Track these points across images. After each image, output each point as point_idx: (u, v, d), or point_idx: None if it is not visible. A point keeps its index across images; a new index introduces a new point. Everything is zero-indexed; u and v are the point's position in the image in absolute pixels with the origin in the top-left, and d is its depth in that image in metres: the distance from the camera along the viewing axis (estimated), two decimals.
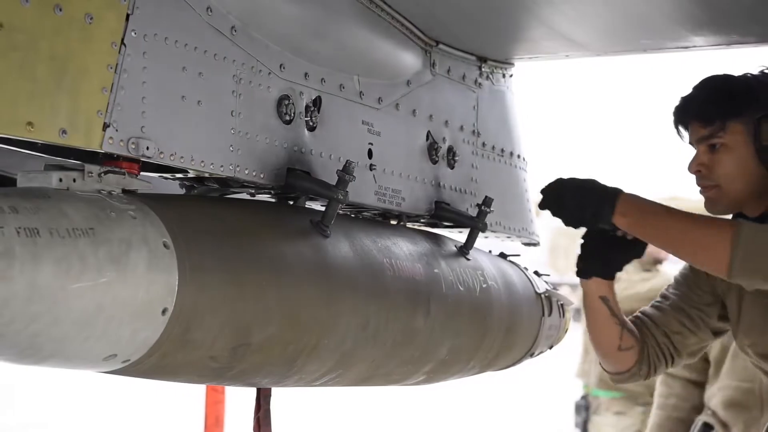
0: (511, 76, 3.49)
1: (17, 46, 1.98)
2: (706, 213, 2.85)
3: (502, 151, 3.42)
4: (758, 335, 2.89)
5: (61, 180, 2.09)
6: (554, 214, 2.88)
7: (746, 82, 2.86)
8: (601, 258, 2.94)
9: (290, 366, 2.49)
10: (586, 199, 2.83)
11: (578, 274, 2.98)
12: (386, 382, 2.98)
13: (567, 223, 2.87)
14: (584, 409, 10.64)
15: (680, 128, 2.90)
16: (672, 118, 2.91)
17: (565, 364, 9.61)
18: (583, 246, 2.96)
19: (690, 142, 2.89)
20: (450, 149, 3.19)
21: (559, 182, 2.88)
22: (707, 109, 2.85)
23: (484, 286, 3.13)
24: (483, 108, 3.34)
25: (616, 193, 2.81)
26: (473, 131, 3.30)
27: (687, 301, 3.03)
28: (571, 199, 2.84)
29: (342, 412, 12.25)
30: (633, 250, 2.93)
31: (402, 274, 2.77)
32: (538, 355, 3.48)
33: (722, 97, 2.84)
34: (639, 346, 3.02)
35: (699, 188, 2.89)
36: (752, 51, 3.20)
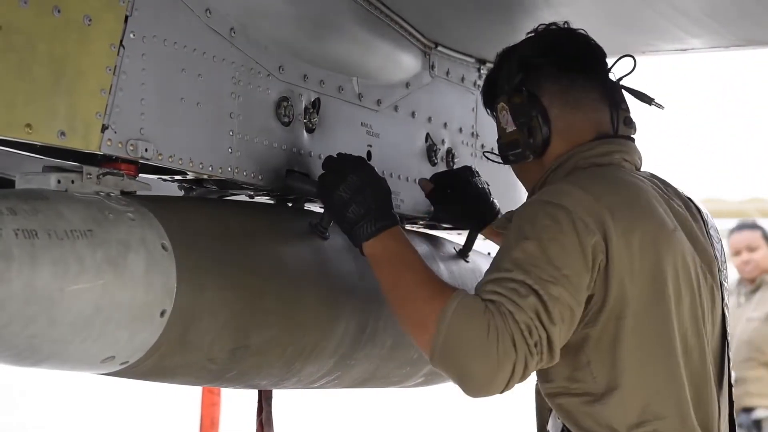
0: None
1: (16, 48, 1.97)
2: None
3: None
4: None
5: (59, 182, 2.08)
6: (328, 186, 2.41)
7: (498, 66, 2.59)
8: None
9: (289, 368, 2.49)
10: (371, 199, 2.38)
11: None
12: (385, 384, 2.98)
13: (326, 202, 2.43)
14: None
15: None
16: None
17: None
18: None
19: None
20: (449, 151, 3.19)
21: (362, 163, 2.45)
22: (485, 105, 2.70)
23: None
24: (482, 110, 3.34)
25: (395, 218, 2.38)
26: (472, 133, 3.30)
27: None
28: (361, 186, 2.38)
29: (341, 413, 12.24)
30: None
31: None
32: None
33: (483, 93, 2.69)
34: None
35: None
36: (750, 53, 3.20)
